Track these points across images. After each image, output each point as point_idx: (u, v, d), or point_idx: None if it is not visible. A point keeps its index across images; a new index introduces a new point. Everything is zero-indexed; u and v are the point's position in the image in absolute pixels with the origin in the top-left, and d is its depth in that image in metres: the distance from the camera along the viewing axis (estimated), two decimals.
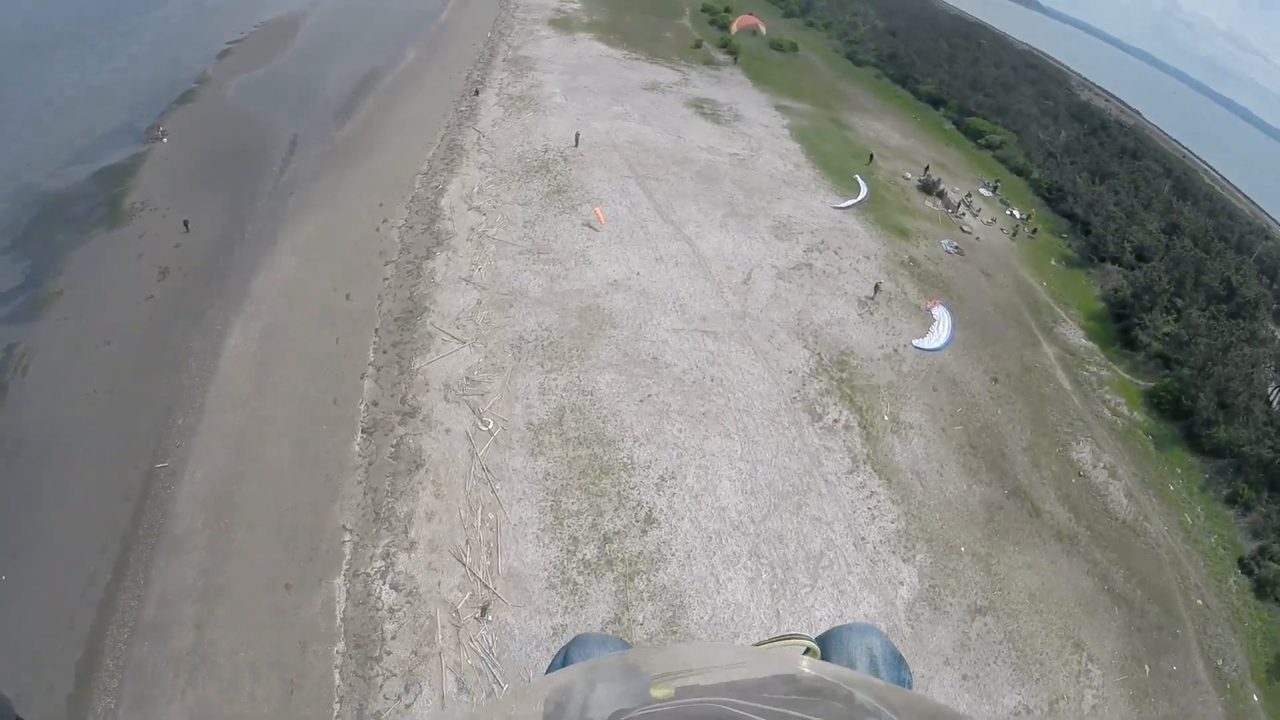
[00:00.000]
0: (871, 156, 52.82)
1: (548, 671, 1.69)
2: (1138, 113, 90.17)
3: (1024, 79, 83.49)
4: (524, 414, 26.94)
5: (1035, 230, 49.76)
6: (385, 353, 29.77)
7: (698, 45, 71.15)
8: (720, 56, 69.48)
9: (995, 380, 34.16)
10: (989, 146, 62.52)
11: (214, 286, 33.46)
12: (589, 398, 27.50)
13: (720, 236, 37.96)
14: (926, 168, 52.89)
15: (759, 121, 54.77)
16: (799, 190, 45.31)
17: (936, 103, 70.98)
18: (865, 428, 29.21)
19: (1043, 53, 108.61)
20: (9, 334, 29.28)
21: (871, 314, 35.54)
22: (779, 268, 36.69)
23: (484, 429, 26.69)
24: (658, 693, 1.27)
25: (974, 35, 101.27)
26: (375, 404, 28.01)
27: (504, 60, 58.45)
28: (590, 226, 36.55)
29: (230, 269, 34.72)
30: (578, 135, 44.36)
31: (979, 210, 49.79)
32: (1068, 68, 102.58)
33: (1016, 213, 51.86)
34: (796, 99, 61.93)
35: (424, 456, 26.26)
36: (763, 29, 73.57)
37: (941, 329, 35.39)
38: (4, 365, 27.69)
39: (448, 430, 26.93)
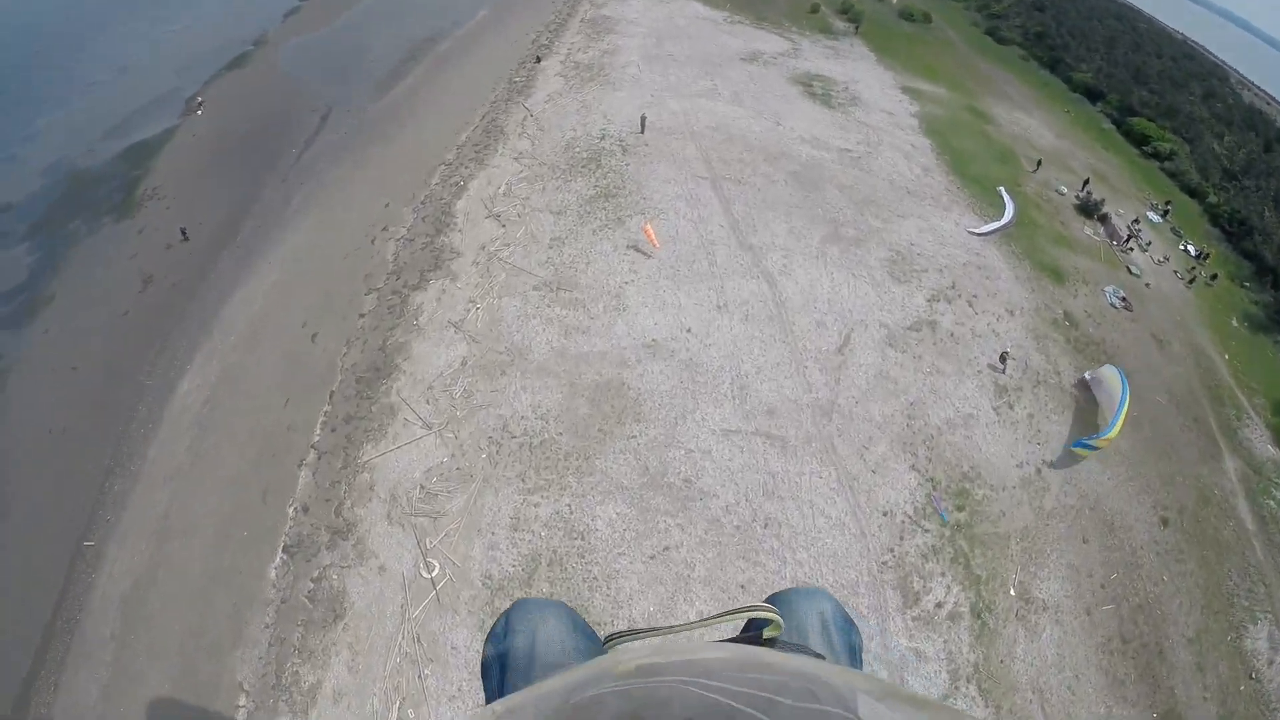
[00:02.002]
0: (1040, 163, 38.49)
1: (488, 636, 1.66)
2: None
3: (1186, 73, 63.51)
4: (483, 559, 17.80)
5: (1215, 276, 34.53)
6: (334, 430, 21.33)
7: (815, 10, 57.08)
8: (840, 24, 55.21)
9: (1164, 523, 21.42)
10: (1155, 156, 45.97)
11: (188, 307, 26.40)
12: (579, 543, 17.97)
13: (814, 273, 26.17)
14: (1086, 181, 37.97)
15: (881, 107, 41.22)
16: (926, 204, 32.25)
17: (1093, 95, 54.18)
18: (980, 615, 17.82)
19: (1197, 43, 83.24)
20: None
21: (1011, 407, 23.27)
22: (890, 327, 24.60)
23: (426, 575, 18.05)
24: (620, 669, 1.14)
25: (1128, 17, 78.83)
26: (305, 509, 19.79)
27: (581, 20, 47.26)
28: (638, 250, 26.10)
29: (211, 284, 27.35)
30: (643, 118, 33.14)
31: (1149, 243, 34.91)
32: (1226, 63, 77.75)
33: (1191, 248, 36.52)
34: (929, 80, 47.22)
35: (346, 604, 17.81)
36: None
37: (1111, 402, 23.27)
38: None
39: (382, 568, 18.28)
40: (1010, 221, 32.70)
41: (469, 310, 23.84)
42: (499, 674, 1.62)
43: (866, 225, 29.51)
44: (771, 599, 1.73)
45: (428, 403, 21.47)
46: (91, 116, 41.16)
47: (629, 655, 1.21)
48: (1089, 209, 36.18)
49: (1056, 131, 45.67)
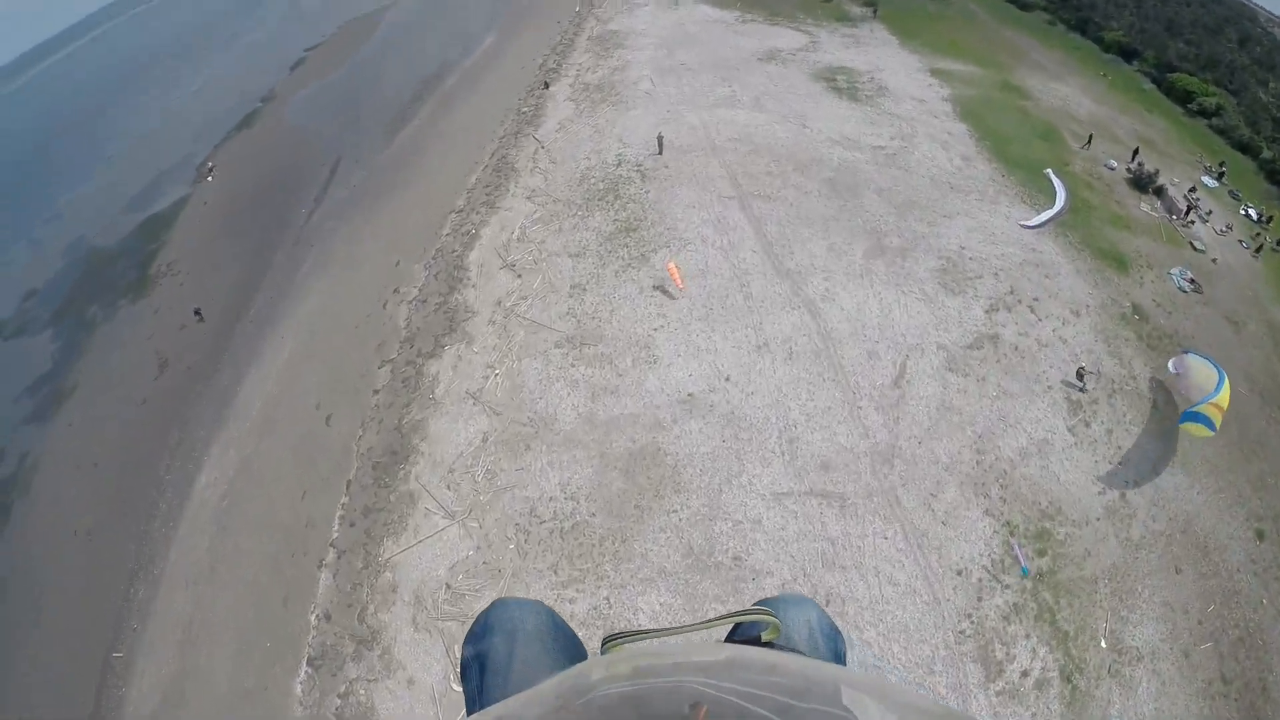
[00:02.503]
0: (1090, 138, 34.63)
1: (467, 637, 1.62)
2: None
3: (1218, 18, 57.17)
4: None
5: None
6: (353, 525, 19.73)
7: None
8: (856, 10, 51.47)
9: (1260, 536, 18.81)
10: (1202, 113, 41.49)
11: (204, 391, 25.65)
12: None
13: (860, 294, 23.38)
14: (1135, 151, 34.16)
15: (911, 94, 37.97)
16: (973, 199, 29.10)
17: (1128, 54, 49.36)
18: (1070, 678, 15.35)
19: None
20: (26, 438, 25.54)
21: (1088, 425, 20.21)
22: (949, 349, 21.79)
23: (457, 688, 16.38)
24: (616, 669, 1.12)
25: None
26: (328, 616, 18.28)
27: (588, 38, 45.03)
28: (665, 291, 23.70)
29: (225, 365, 26.65)
30: (660, 138, 30.84)
31: (1209, 213, 31.11)
32: (1252, 1, 70.21)
33: (1253, 212, 32.63)
34: (956, 58, 43.62)
35: None
36: None
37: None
38: (14, 480, 24.11)
39: (410, 681, 16.58)
40: (1063, 208, 29.42)
41: (487, 377, 22.03)
42: (479, 675, 1.54)
43: (911, 231, 26.71)
44: (760, 604, 1.60)
45: (449, 488, 19.75)
46: (109, 191, 41.73)
47: (625, 656, 1.15)
48: (1142, 182, 32.54)
49: (1095, 98, 41.64)
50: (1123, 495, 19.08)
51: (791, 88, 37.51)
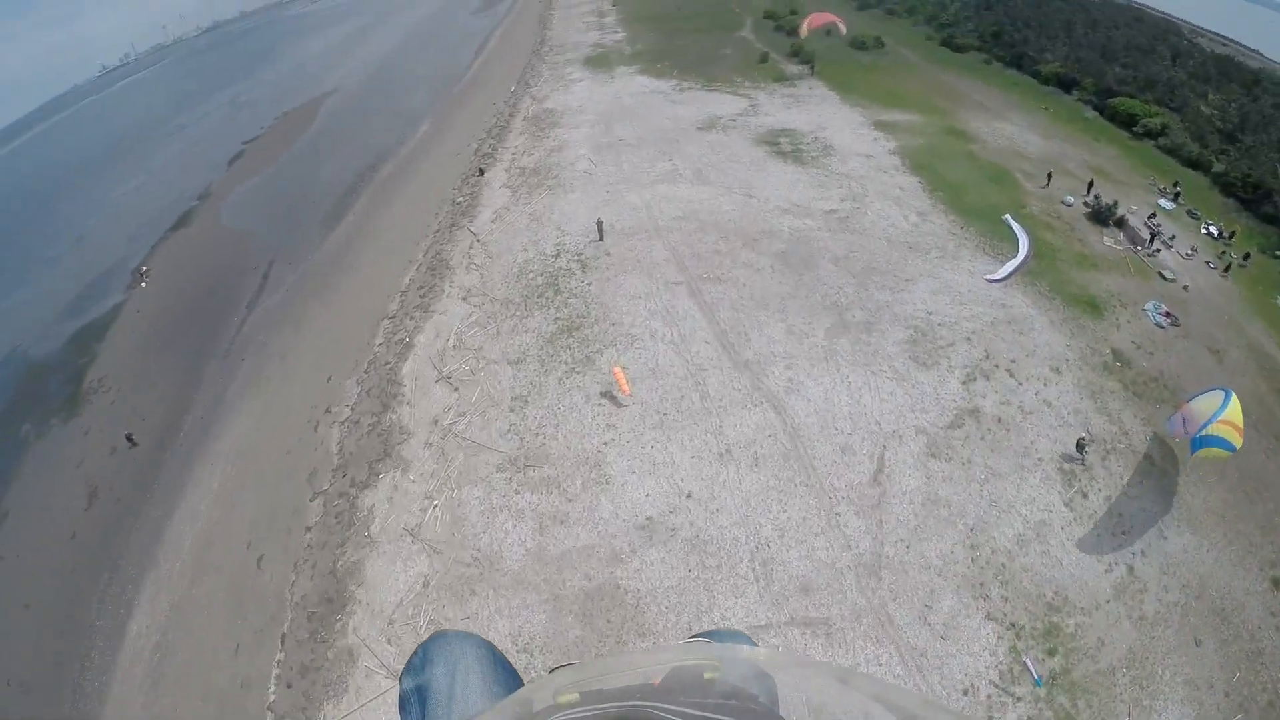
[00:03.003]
0: (1050, 176, 34.19)
1: (405, 669, 1.62)
2: (1258, 53, 62.44)
3: (1149, 36, 58.70)
4: None
5: (1247, 255, 30.31)
6: (290, 686, 17.20)
7: (764, 59, 53.98)
8: (793, 68, 51.78)
9: (1277, 585, 17.58)
10: (1148, 134, 41.72)
11: (134, 525, 23.31)
12: None
13: (826, 381, 21.74)
14: (1090, 184, 33.83)
15: (857, 150, 37.28)
16: (934, 258, 28.04)
17: (1066, 85, 50.25)
18: None
19: (1139, 2, 79.04)
20: None
21: (1085, 496, 18.62)
22: (929, 432, 20.16)
23: None
24: (562, 699, 1.12)
25: None
26: None
27: (524, 119, 44.10)
28: (614, 398, 21.85)
29: (155, 495, 24.67)
30: (599, 223, 29.45)
31: (1172, 238, 30.59)
32: (1172, 16, 73.73)
33: (1214, 229, 32.51)
34: (898, 108, 43.49)
35: None
36: (841, 26, 52.89)
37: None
38: None
39: None
40: (1028, 256, 28.63)
41: (426, 510, 19.75)
42: (419, 707, 1.55)
43: (874, 302, 25.43)
44: (697, 637, 1.68)
45: (389, 642, 17.36)
46: (49, 296, 41.01)
47: (571, 680, 1.13)
48: (1102, 215, 32.04)
49: (1041, 133, 41.85)
50: (1131, 569, 17.48)
51: (734, 156, 36.77)
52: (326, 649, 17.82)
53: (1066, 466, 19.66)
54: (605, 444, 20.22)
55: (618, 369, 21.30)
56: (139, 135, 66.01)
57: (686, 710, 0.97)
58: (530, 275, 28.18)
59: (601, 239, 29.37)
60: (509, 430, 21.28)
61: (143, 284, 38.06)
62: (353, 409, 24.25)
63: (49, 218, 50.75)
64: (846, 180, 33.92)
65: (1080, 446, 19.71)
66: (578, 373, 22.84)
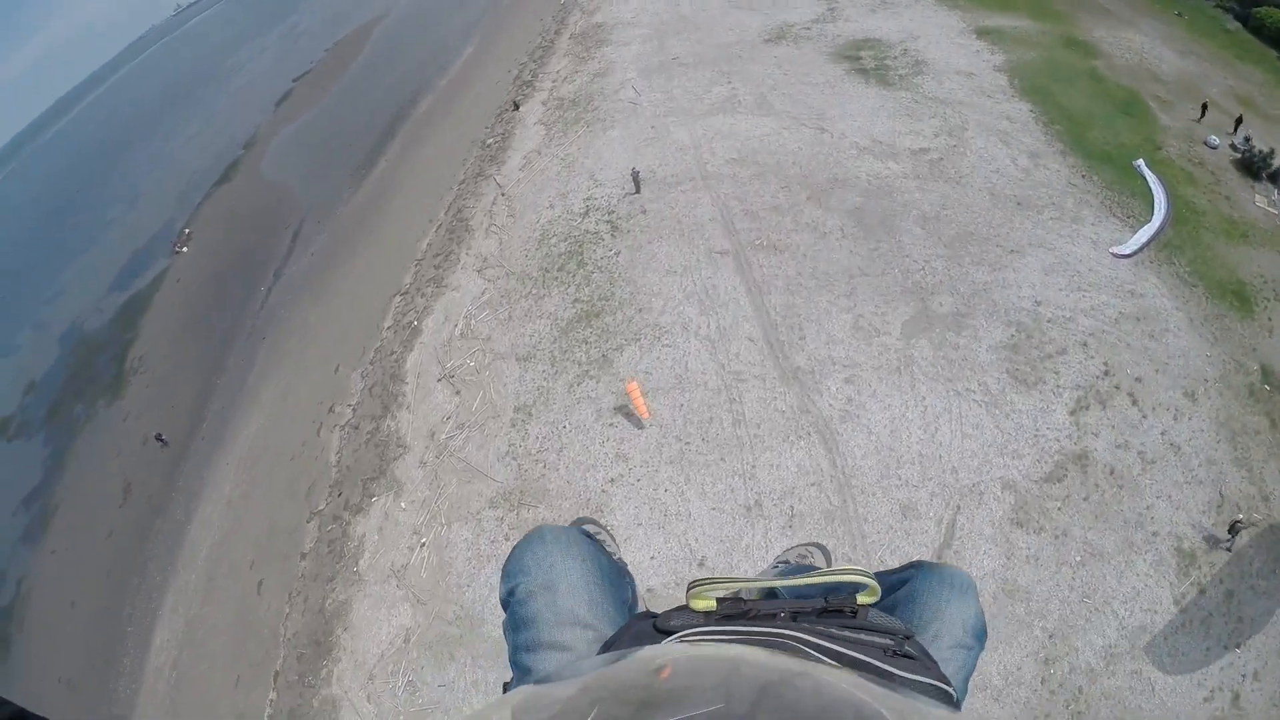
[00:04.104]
0: (1204, 108, 25.73)
1: (503, 573, 1.45)
2: None
3: None
4: None
5: None
6: None
7: None
8: None
9: None
10: None
11: (160, 527, 22.83)
12: None
13: (896, 403, 16.68)
14: (1238, 120, 24.93)
15: (955, 67, 29.48)
16: (1048, 219, 21.37)
17: None
18: None
19: None
20: (21, 563, 23.66)
21: (1202, 591, 13.42)
22: (1018, 486, 15.00)
23: None
24: (698, 604, 1.09)
25: None
26: None
27: (570, 37, 38.21)
28: (629, 417, 17.56)
29: (178, 495, 23.42)
30: (636, 174, 24.57)
31: None
32: None
33: None
34: (1005, 11, 34.20)
35: None
36: None
37: None
38: (11, 612, 22.17)
39: None
40: (1165, 221, 21.30)
41: (413, 549, 17.21)
42: (513, 624, 1.37)
43: (969, 284, 19.58)
44: (911, 565, 1.54)
45: (369, 699, 15.42)
46: (101, 264, 41.02)
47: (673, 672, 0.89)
48: (1254, 165, 23.59)
49: (1177, 48, 31.61)
50: (1236, 699, 12.51)
51: (806, 75, 29.88)
52: (313, 695, 16.28)
53: (1187, 546, 14.15)
54: (611, 481, 16.56)
55: (632, 384, 17.21)
56: (200, 76, 65.39)
57: (838, 634, 0.93)
58: (552, 241, 24.01)
59: (638, 191, 24.50)
60: (507, 453, 18.01)
61: (184, 249, 37.42)
62: (354, 410, 21.87)
63: (113, 174, 51.24)
64: (941, 108, 26.67)
65: (1234, 529, 14.02)
66: (591, 377, 18.98)
